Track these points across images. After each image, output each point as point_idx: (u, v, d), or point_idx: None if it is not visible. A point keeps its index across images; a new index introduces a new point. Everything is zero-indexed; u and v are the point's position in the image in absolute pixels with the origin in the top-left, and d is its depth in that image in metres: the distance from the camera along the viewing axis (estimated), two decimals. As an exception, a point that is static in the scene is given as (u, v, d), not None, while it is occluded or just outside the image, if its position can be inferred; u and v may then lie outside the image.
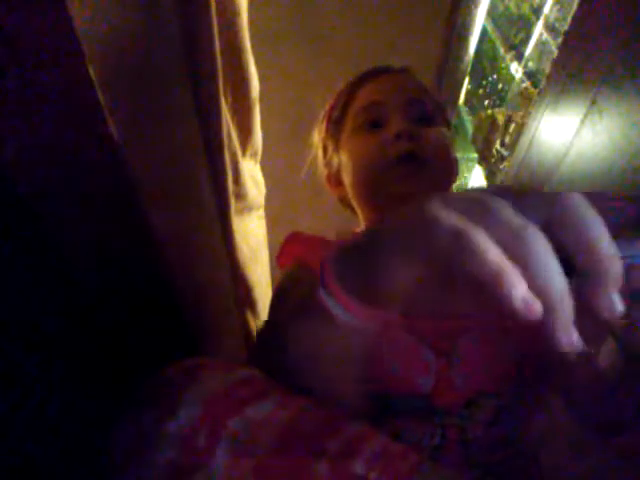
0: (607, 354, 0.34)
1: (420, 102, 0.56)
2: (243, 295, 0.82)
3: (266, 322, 0.51)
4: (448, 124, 0.63)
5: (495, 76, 1.49)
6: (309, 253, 0.60)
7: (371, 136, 0.55)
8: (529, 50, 1.32)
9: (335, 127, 0.62)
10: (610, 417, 0.39)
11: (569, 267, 0.20)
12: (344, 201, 0.66)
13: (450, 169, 0.59)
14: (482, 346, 0.46)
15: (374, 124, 0.56)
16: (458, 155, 0.62)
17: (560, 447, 0.43)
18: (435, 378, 0.44)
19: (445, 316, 0.47)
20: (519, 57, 1.36)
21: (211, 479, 0.23)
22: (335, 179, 0.64)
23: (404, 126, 0.52)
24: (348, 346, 0.30)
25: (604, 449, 0.37)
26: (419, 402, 0.44)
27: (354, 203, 0.61)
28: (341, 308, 0.26)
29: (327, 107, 0.67)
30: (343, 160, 0.59)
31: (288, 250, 0.65)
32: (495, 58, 1.45)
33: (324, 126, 0.66)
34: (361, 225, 0.64)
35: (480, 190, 0.25)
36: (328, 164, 0.65)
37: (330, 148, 0.64)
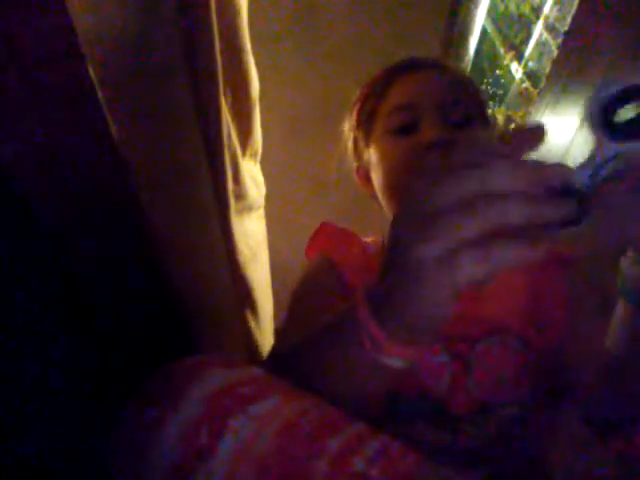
0: (620, 318, 0.33)
1: (456, 105, 0.52)
2: (243, 295, 0.82)
3: (288, 322, 0.49)
4: (487, 121, 0.59)
5: (495, 76, 1.49)
6: (334, 247, 0.59)
7: (403, 142, 0.52)
8: (529, 50, 1.32)
9: (366, 121, 0.59)
10: (611, 417, 0.39)
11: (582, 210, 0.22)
12: (375, 199, 0.62)
13: None
14: (500, 353, 0.45)
15: (406, 129, 0.52)
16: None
17: (566, 448, 0.42)
18: (450, 381, 0.43)
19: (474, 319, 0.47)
20: (519, 57, 1.36)
21: (212, 477, 0.23)
22: (365, 174, 0.61)
23: (437, 135, 0.49)
24: (381, 378, 0.30)
25: (604, 449, 0.37)
26: (432, 405, 0.43)
27: (383, 205, 0.58)
28: (384, 354, 0.27)
29: (358, 95, 0.63)
30: (373, 159, 0.57)
31: (316, 242, 0.63)
32: (495, 58, 1.45)
33: (355, 118, 0.62)
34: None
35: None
36: (358, 157, 0.62)
37: (361, 142, 0.61)
